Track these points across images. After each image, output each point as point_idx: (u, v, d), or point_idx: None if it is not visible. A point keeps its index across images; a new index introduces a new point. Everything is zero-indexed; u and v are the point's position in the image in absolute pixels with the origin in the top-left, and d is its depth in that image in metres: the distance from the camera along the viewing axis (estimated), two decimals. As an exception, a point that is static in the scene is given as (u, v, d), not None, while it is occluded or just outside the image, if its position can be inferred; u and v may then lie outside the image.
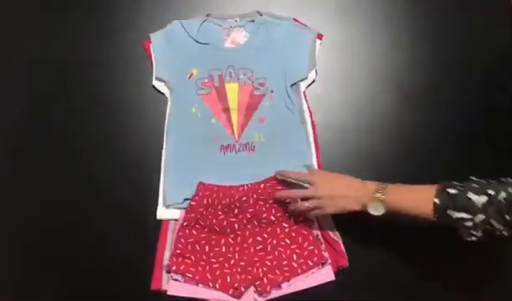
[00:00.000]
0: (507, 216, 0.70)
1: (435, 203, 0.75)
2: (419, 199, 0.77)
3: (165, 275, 0.89)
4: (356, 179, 0.84)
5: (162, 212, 0.93)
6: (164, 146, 0.97)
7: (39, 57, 1.04)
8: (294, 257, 0.90)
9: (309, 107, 0.99)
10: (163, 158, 0.96)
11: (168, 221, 0.93)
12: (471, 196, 0.73)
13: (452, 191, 0.74)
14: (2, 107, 1.02)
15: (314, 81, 1.00)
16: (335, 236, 0.91)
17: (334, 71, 1.02)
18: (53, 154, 0.98)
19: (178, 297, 0.88)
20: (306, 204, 0.85)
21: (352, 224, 0.92)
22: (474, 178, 0.76)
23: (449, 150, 0.97)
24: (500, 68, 1.00)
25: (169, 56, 1.00)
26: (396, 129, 0.99)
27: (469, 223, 0.73)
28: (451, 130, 0.98)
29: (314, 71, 1.00)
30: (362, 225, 0.92)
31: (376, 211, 0.80)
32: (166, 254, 0.90)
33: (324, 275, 0.90)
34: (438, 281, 0.91)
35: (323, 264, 0.89)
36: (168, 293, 0.88)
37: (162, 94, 1.00)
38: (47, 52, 1.05)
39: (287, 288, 0.89)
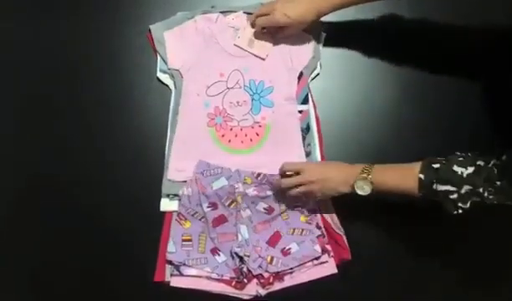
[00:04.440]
0: (498, 182, 0.72)
1: (420, 179, 0.76)
2: (404, 176, 0.79)
3: (168, 267, 0.90)
4: (344, 163, 0.86)
5: (166, 204, 0.93)
6: (168, 137, 0.97)
7: (39, 55, 1.04)
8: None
9: (313, 101, 0.99)
10: (166, 149, 0.96)
11: (171, 213, 0.93)
12: (456, 168, 0.74)
13: (436, 165, 0.76)
14: (3, 102, 1.02)
15: (318, 74, 1.00)
16: (338, 229, 0.91)
17: (338, 64, 1.02)
18: (55, 150, 0.98)
19: (181, 289, 0.89)
20: (296, 190, 0.86)
21: (355, 218, 0.93)
22: (459, 153, 0.77)
23: (450, 147, 0.97)
24: (502, 65, 0.99)
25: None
26: (399, 123, 0.99)
27: (455, 195, 0.74)
28: (452, 127, 0.98)
29: (318, 64, 1.00)
30: (365, 219, 0.93)
31: (363, 190, 0.81)
32: (170, 246, 0.90)
33: (326, 268, 0.90)
34: (441, 274, 0.91)
35: (323, 252, 0.90)
36: (171, 284, 0.89)
37: (166, 85, 1.00)
38: (47, 50, 1.04)
39: (289, 281, 0.90)
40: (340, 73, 1.02)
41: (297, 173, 0.88)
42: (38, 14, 1.06)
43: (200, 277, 0.89)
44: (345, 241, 0.91)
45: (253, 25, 0.99)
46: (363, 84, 1.01)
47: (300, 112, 0.97)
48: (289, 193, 0.88)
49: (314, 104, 0.98)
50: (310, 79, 1.00)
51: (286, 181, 0.88)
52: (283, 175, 0.90)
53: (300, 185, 0.86)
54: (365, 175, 0.81)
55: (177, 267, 0.89)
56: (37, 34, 1.05)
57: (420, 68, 1.01)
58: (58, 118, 1.00)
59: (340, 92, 1.01)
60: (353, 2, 0.91)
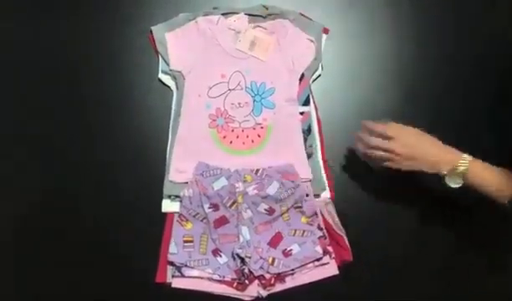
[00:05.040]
0: None
1: None
2: (501, 182, 0.77)
3: (169, 268, 0.90)
4: (439, 142, 0.83)
5: (167, 205, 0.93)
6: (169, 139, 0.97)
7: (39, 55, 1.03)
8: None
9: (314, 102, 0.99)
10: (168, 151, 0.96)
11: (173, 214, 0.93)
12: None
13: None
14: (3, 102, 1.01)
15: (319, 76, 1.01)
16: (339, 230, 0.92)
17: (339, 66, 1.02)
18: (55, 150, 0.98)
19: (182, 290, 0.89)
20: (380, 153, 0.84)
21: (356, 219, 0.93)
22: None
23: (455, 146, 0.97)
24: (506, 66, 1.00)
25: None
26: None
27: None
28: (454, 128, 0.99)
29: (319, 65, 1.00)
30: (366, 220, 0.93)
31: (455, 183, 0.79)
32: (171, 247, 0.90)
33: (327, 269, 0.91)
34: (443, 274, 0.92)
35: (325, 253, 0.90)
36: (172, 286, 0.89)
37: (167, 86, 1.00)
38: (47, 50, 1.04)
39: (291, 282, 0.90)
40: (341, 75, 1.02)
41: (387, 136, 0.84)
42: (38, 14, 1.06)
43: (201, 278, 0.89)
44: (347, 242, 0.91)
45: None
46: (364, 85, 1.01)
47: (302, 113, 0.98)
48: (371, 139, 0.85)
49: (315, 106, 0.99)
50: (312, 80, 1.00)
51: (375, 141, 0.84)
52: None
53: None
54: (462, 168, 0.78)
55: (179, 269, 0.89)
56: (37, 34, 1.04)
57: (422, 69, 1.02)
58: (59, 118, 1.00)
59: (341, 93, 1.01)
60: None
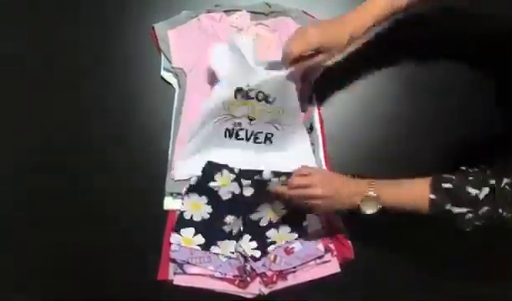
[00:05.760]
0: None
1: (431, 199, 0.73)
2: (413, 195, 0.76)
3: (171, 266, 0.90)
4: (346, 177, 0.83)
5: (169, 203, 0.93)
6: (171, 136, 0.97)
7: (40, 55, 1.03)
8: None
9: (316, 101, 0.99)
10: (170, 148, 0.96)
11: (174, 211, 0.93)
12: (470, 190, 0.71)
13: (447, 185, 0.73)
14: (3, 100, 1.01)
15: (321, 74, 1.00)
16: (341, 228, 0.92)
17: (341, 64, 1.02)
18: (56, 150, 0.98)
19: (184, 287, 0.89)
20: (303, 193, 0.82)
21: (357, 217, 0.92)
22: (464, 168, 0.74)
23: (453, 148, 0.98)
24: (507, 65, 1.00)
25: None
26: (402, 123, 0.99)
27: (470, 215, 0.72)
28: (455, 127, 0.99)
29: (321, 64, 1.00)
30: (368, 218, 0.93)
31: (370, 209, 0.79)
32: (173, 245, 0.90)
33: (329, 267, 0.91)
34: (444, 273, 0.92)
35: (326, 251, 0.90)
36: (174, 283, 0.89)
37: (170, 84, 1.00)
38: (49, 50, 1.04)
39: (292, 280, 0.90)
40: (342, 73, 1.02)
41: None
42: (39, 14, 1.06)
43: (203, 275, 0.89)
44: (348, 240, 0.91)
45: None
46: (366, 84, 1.01)
47: (304, 111, 0.97)
48: (291, 192, 0.84)
49: (317, 105, 0.99)
50: (314, 79, 1.00)
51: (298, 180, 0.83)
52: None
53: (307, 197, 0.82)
54: (371, 192, 0.78)
55: (181, 266, 0.89)
56: (38, 34, 1.04)
57: (424, 68, 1.01)
58: (61, 117, 1.00)
59: (342, 92, 1.01)
60: (383, 20, 0.86)
